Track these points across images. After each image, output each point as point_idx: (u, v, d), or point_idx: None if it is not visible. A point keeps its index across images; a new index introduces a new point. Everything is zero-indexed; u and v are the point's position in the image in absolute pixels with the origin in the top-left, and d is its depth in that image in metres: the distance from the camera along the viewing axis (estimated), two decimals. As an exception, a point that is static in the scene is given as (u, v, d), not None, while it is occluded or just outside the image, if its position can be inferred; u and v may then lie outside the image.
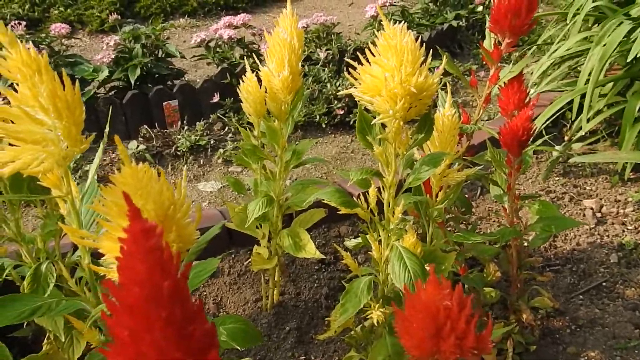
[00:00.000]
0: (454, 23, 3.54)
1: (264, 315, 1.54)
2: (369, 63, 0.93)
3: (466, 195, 1.85)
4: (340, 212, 1.50)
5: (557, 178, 2.21)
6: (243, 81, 1.30)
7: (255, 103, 1.21)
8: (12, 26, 2.70)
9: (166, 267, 0.47)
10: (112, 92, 2.72)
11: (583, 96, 2.14)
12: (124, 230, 0.47)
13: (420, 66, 0.89)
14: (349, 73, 0.94)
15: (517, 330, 1.39)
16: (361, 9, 4.83)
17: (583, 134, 2.20)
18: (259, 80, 1.27)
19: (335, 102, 2.71)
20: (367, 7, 3.46)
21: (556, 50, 2.32)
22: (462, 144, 1.33)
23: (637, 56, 1.89)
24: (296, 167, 1.35)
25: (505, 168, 1.28)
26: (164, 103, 2.62)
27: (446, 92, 1.13)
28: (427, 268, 1.06)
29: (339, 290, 1.65)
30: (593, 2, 2.33)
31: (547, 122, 2.25)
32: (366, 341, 1.24)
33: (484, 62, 3.41)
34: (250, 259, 1.73)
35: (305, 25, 3.11)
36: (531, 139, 1.23)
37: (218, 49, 2.94)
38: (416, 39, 0.93)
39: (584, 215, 1.99)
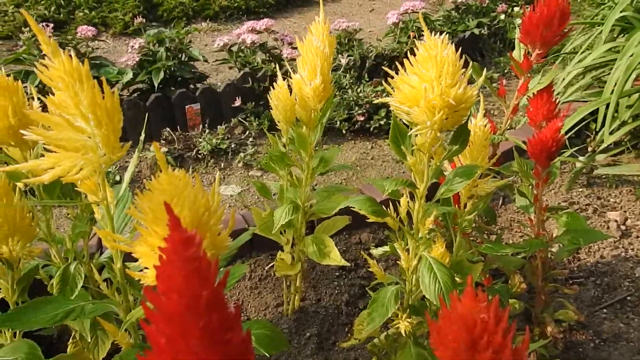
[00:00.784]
0: (476, 31, 3.52)
1: (284, 321, 1.54)
2: (406, 73, 0.92)
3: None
4: (360, 220, 1.50)
5: (580, 189, 2.18)
6: (272, 87, 1.30)
7: (285, 110, 1.21)
8: (41, 26, 2.74)
9: (204, 276, 0.47)
10: (136, 95, 2.75)
11: (608, 107, 2.12)
12: (164, 239, 0.47)
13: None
14: (387, 82, 0.93)
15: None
16: (381, 15, 4.83)
17: (607, 145, 2.17)
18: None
19: (356, 108, 2.71)
20: (388, 14, 3.46)
21: (582, 60, 2.30)
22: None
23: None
24: (321, 175, 1.35)
25: (532, 179, 1.27)
26: (187, 106, 2.64)
27: (478, 102, 1.13)
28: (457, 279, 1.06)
29: (360, 297, 1.65)
30: (620, 12, 2.30)
31: (571, 133, 2.22)
32: (389, 350, 1.23)
33: (506, 71, 3.40)
34: (271, 264, 1.73)
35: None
36: (557, 150, 1.22)
37: (240, 54, 2.95)
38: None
39: (608, 227, 1.96)
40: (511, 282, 1.35)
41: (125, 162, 2.43)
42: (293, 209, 1.29)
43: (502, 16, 3.76)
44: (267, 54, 2.95)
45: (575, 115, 2.21)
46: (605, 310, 1.64)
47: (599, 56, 2.24)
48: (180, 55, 2.83)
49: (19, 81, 0.95)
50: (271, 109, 2.85)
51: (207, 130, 2.64)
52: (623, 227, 1.96)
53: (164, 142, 2.55)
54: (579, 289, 1.65)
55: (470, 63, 1.02)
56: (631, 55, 2.05)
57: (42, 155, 1.05)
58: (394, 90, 0.95)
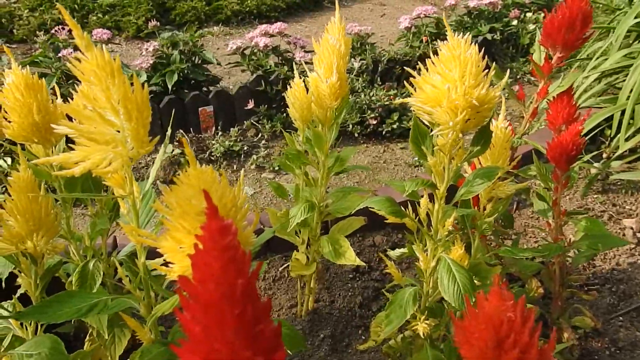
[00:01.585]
0: (489, 36, 3.52)
1: (298, 322, 1.54)
2: (429, 73, 0.92)
3: (503, 210, 1.83)
4: (374, 222, 1.49)
5: (595, 196, 2.17)
6: (285, 90, 1.31)
7: (302, 108, 1.22)
8: (56, 30, 2.77)
9: (240, 266, 0.47)
10: (149, 97, 2.76)
11: (623, 113, 2.10)
12: (201, 228, 0.48)
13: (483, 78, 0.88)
14: (409, 83, 0.94)
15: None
16: (392, 20, 4.84)
17: (622, 152, 2.16)
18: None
19: (369, 112, 2.71)
20: (400, 18, 3.47)
21: (597, 66, 2.29)
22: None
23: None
24: (337, 174, 1.35)
25: (551, 183, 1.26)
26: (200, 108, 2.65)
27: (498, 104, 1.13)
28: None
29: (373, 299, 1.64)
30: (634, 18, 2.29)
31: (586, 139, 2.21)
32: (405, 352, 1.23)
33: (518, 76, 3.39)
34: (285, 265, 1.73)
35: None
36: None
37: (253, 57, 2.97)
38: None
39: (624, 234, 1.95)
40: (528, 287, 1.34)
41: (137, 163, 2.45)
42: (309, 208, 1.29)
43: (515, 21, 3.75)
44: (280, 57, 2.96)
45: (590, 121, 2.20)
46: (621, 318, 1.63)
47: (614, 62, 2.23)
48: (193, 58, 2.85)
49: (43, 79, 0.96)
50: (284, 111, 2.85)
51: (220, 133, 2.65)
52: (639, 235, 1.94)
53: (177, 143, 2.56)
54: (597, 295, 1.63)
55: (493, 64, 1.02)
56: (647, 61, 2.04)
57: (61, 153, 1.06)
58: (415, 90, 0.95)
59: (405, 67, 3.03)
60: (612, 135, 2.31)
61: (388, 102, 2.75)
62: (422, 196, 1.08)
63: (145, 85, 0.64)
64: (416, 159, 2.57)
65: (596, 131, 2.24)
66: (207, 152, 2.52)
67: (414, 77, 0.95)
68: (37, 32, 4.01)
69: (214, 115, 2.69)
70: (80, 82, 0.67)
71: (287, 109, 2.83)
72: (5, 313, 0.95)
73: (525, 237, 1.96)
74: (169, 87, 2.65)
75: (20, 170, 0.86)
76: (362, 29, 3.17)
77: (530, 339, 0.64)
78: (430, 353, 1.14)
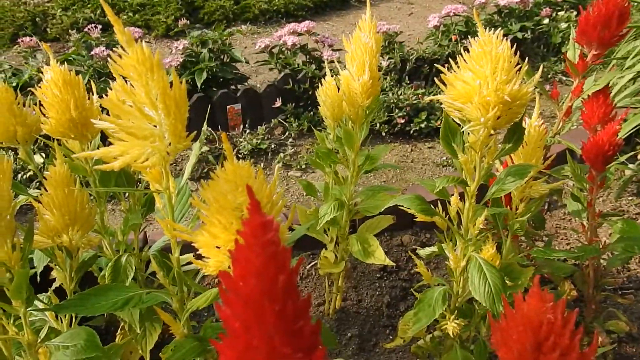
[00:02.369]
0: (519, 35, 3.46)
1: (326, 320, 1.54)
2: (460, 69, 0.91)
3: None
4: (402, 221, 1.48)
5: (630, 198, 2.12)
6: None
7: (333, 106, 1.21)
8: (88, 29, 2.83)
9: (281, 261, 0.47)
10: (178, 95, 2.79)
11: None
12: (243, 223, 0.47)
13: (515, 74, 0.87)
14: (440, 80, 0.93)
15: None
16: (420, 19, 4.80)
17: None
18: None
19: (396, 110, 2.69)
20: (429, 17, 3.43)
21: (632, 65, 2.23)
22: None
23: None
24: (366, 173, 1.34)
25: (586, 183, 1.23)
26: (228, 106, 2.67)
27: (533, 101, 1.10)
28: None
29: (401, 299, 1.63)
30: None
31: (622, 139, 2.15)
32: (434, 352, 1.22)
33: (549, 75, 3.32)
34: (312, 263, 1.73)
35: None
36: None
37: (281, 55, 2.98)
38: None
39: (660, 237, 1.89)
40: (560, 289, 1.32)
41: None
42: (338, 206, 1.29)
43: (546, 20, 3.68)
44: (308, 56, 2.97)
45: (627, 124, 2.14)
46: (657, 322, 1.58)
47: (651, 60, 2.17)
48: (222, 57, 2.87)
49: (80, 76, 0.98)
50: (311, 110, 2.85)
51: (247, 131, 2.67)
52: (675, 237, 1.89)
53: (205, 141, 2.58)
54: (633, 299, 1.59)
55: (525, 61, 1.00)
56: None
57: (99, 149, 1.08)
58: (445, 86, 0.94)
59: (435, 65, 2.99)
60: (647, 136, 2.25)
61: (416, 101, 2.73)
62: (452, 195, 1.07)
63: (184, 81, 0.65)
64: (444, 158, 2.54)
65: (631, 131, 2.18)
66: (235, 150, 2.54)
67: (445, 74, 0.93)
68: (70, 30, 4.10)
69: (242, 113, 2.71)
70: (113, 79, 0.67)
71: (314, 107, 2.82)
72: (41, 305, 0.97)
73: (557, 239, 1.92)
74: (198, 85, 2.67)
75: (57, 165, 0.88)
76: (390, 27, 3.15)
77: (570, 342, 0.63)
78: (460, 354, 1.13)
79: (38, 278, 1.06)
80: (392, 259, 1.76)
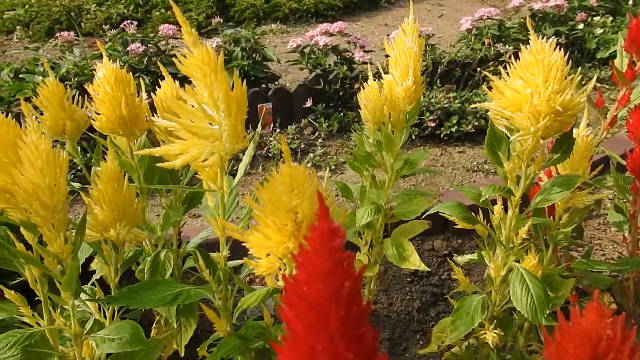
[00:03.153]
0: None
1: (355, 323, 1.54)
2: (509, 77, 0.90)
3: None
4: (434, 226, 1.47)
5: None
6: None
7: (375, 110, 1.21)
8: (125, 25, 2.87)
9: (347, 268, 0.48)
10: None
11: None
12: (310, 228, 0.48)
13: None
14: (488, 86, 0.92)
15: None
16: (450, 21, 4.77)
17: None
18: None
19: (427, 114, 2.68)
20: (462, 19, 3.40)
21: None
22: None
23: None
24: (404, 177, 1.34)
25: (630, 195, 1.21)
26: (259, 105, 2.68)
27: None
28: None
29: (432, 305, 1.62)
30: None
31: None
32: (468, 360, 1.21)
33: (583, 82, 3.27)
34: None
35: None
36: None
37: (312, 55, 2.98)
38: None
39: (698, 251, 1.85)
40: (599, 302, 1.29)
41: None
42: (375, 210, 1.29)
43: (581, 25, 3.62)
44: (339, 57, 2.97)
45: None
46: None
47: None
48: (254, 55, 2.89)
49: (131, 74, 0.99)
50: (341, 110, 2.85)
51: (277, 130, 2.68)
52: None
53: (235, 139, 2.60)
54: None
55: (578, 70, 0.99)
56: None
57: (145, 147, 1.10)
58: (491, 93, 0.93)
59: (468, 69, 2.95)
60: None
61: (447, 105, 2.71)
62: (496, 203, 1.06)
63: (245, 82, 0.65)
64: (475, 163, 2.52)
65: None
66: (265, 149, 2.55)
67: (492, 81, 0.93)
68: (103, 26, 4.16)
69: (272, 112, 2.72)
70: (147, 75, 0.68)
71: (345, 108, 2.82)
72: (85, 297, 0.99)
73: (592, 250, 1.89)
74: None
75: (108, 161, 0.90)
76: (421, 30, 3.13)
77: (630, 359, 0.62)
78: (496, 363, 1.12)
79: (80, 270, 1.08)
80: (423, 263, 1.75)
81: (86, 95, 1.10)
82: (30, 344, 0.85)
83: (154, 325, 1.33)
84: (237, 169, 0.86)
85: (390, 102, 1.18)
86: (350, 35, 3.03)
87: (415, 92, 1.16)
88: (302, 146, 2.61)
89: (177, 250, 1.26)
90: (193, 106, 0.64)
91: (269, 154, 2.55)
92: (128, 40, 2.79)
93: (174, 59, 0.64)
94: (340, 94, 2.79)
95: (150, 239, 1.20)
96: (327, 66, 2.89)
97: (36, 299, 0.92)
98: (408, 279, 1.70)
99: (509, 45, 3.18)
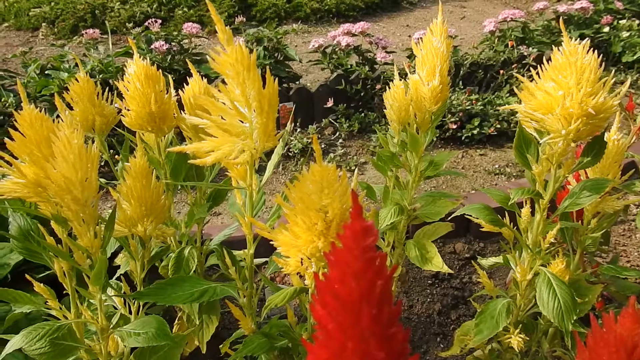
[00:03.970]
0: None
1: (375, 324, 1.53)
2: (540, 79, 0.89)
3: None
4: (455, 229, 1.46)
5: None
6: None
7: (400, 110, 1.20)
8: (149, 23, 2.90)
9: (380, 267, 0.47)
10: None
11: None
12: (343, 227, 0.48)
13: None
14: (518, 88, 0.91)
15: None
16: (472, 23, 4.73)
17: None
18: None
19: (449, 115, 2.66)
20: (485, 21, 3.37)
21: None
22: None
23: None
24: (428, 179, 1.33)
25: (659, 201, 1.18)
26: (280, 104, 2.69)
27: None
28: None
29: (452, 307, 1.61)
30: None
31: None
32: (491, 365, 1.20)
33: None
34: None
35: (420, 38, 3.08)
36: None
37: (334, 55, 2.98)
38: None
39: None
40: (624, 308, 1.27)
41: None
42: (399, 211, 1.28)
43: (606, 28, 3.57)
44: (361, 57, 2.96)
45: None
46: None
47: None
48: (276, 55, 2.89)
49: (160, 71, 1.00)
50: (362, 111, 2.84)
51: (298, 129, 2.68)
52: None
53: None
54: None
55: (612, 72, 0.97)
56: None
57: (172, 143, 1.11)
58: (520, 91, 0.92)
59: (489, 72, 2.91)
60: None
61: (469, 107, 2.69)
62: (526, 205, 1.04)
63: (276, 81, 0.65)
64: (496, 166, 2.50)
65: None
66: (285, 148, 2.56)
67: (522, 83, 0.91)
68: (127, 24, 4.21)
69: (293, 111, 2.73)
70: (170, 72, 0.68)
71: (366, 109, 2.81)
72: (112, 292, 1.00)
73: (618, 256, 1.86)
74: (252, 82, 2.70)
75: (137, 157, 0.90)
76: (444, 31, 3.11)
77: (665, 368, 0.60)
78: (519, 368, 1.11)
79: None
80: (445, 266, 1.74)
81: (110, 92, 1.12)
82: (58, 337, 0.86)
83: (176, 321, 1.34)
84: (263, 167, 0.86)
85: (416, 102, 1.18)
86: (373, 36, 3.03)
87: (441, 93, 1.15)
88: (323, 146, 2.61)
89: (201, 248, 1.27)
90: (224, 104, 0.64)
91: (289, 154, 2.56)
92: (152, 38, 2.82)
93: (207, 56, 0.64)
94: (362, 94, 2.78)
95: (174, 236, 1.21)
96: (349, 66, 2.89)
97: (64, 292, 0.94)
98: (429, 282, 1.68)
99: (533, 48, 3.14)
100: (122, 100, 0.99)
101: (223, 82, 0.66)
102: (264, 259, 1.25)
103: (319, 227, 0.66)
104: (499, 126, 2.68)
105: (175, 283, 0.80)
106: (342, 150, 2.57)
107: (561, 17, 3.47)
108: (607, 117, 0.87)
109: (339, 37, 2.93)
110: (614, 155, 1.02)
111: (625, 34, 3.53)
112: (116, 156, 1.72)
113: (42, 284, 0.93)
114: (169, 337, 0.86)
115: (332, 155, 2.53)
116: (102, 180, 1.27)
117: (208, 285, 0.81)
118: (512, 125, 2.71)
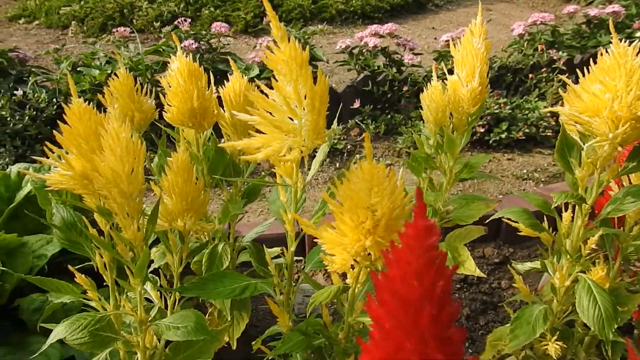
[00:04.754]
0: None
1: (403, 327, 1.52)
2: (587, 81, 0.88)
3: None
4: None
5: None
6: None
7: (437, 111, 1.20)
8: (178, 22, 2.93)
9: (441, 267, 0.47)
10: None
11: None
12: (405, 225, 0.47)
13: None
14: (564, 90, 0.89)
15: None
16: (499, 26, 4.69)
17: None
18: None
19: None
20: (514, 24, 3.34)
21: None
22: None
23: None
24: (462, 181, 1.32)
25: (702, 209, 1.16)
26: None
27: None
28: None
29: (481, 313, 1.59)
30: None
31: None
32: (524, 372, 1.18)
33: None
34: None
35: (450, 39, 3.07)
36: None
37: (360, 56, 2.98)
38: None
39: None
40: (662, 319, 1.24)
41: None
42: (432, 213, 1.27)
43: (638, 33, 3.50)
44: (388, 59, 2.95)
45: None
46: None
47: None
48: (303, 55, 2.90)
49: (202, 67, 1.01)
50: (388, 112, 2.83)
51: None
52: None
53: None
54: None
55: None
56: None
57: (209, 139, 1.11)
58: (565, 93, 0.91)
59: (517, 75, 2.88)
60: None
61: (497, 111, 2.67)
62: (567, 210, 1.03)
63: (327, 79, 0.65)
64: (524, 171, 2.47)
65: None
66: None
67: (569, 85, 0.90)
68: (154, 23, 4.26)
69: (320, 112, 2.73)
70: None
71: (392, 110, 2.79)
72: (149, 285, 1.01)
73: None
74: (279, 82, 2.71)
75: (179, 152, 0.91)
76: (473, 33, 3.08)
77: None
78: (555, 376, 1.09)
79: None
80: (473, 270, 1.72)
81: (142, 89, 1.13)
82: (98, 328, 0.87)
83: (207, 317, 1.34)
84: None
85: (454, 104, 1.17)
86: (400, 37, 3.02)
87: (480, 94, 1.14)
88: (349, 147, 2.61)
89: (233, 244, 1.27)
90: (275, 100, 0.64)
91: (315, 154, 2.55)
92: (182, 36, 2.85)
93: (260, 53, 0.64)
94: (388, 96, 2.77)
95: (209, 232, 1.22)
96: (376, 68, 2.88)
97: (104, 284, 0.95)
98: (457, 286, 1.67)
99: (563, 52, 3.10)
100: (164, 97, 1.00)
101: (251, 80, 0.66)
102: (296, 257, 1.26)
103: (366, 226, 0.66)
104: (527, 131, 2.64)
105: (215, 279, 0.81)
106: (368, 152, 2.56)
107: (610, 19, 3.42)
108: (656, 121, 0.85)
109: (366, 38, 2.93)
110: (659, 161, 1.00)
111: (657, 40, 3.46)
112: (147, 152, 1.74)
113: (83, 275, 0.94)
114: (208, 332, 0.86)
115: (357, 156, 2.52)
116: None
117: (249, 282, 0.81)
118: (540, 130, 2.67)
